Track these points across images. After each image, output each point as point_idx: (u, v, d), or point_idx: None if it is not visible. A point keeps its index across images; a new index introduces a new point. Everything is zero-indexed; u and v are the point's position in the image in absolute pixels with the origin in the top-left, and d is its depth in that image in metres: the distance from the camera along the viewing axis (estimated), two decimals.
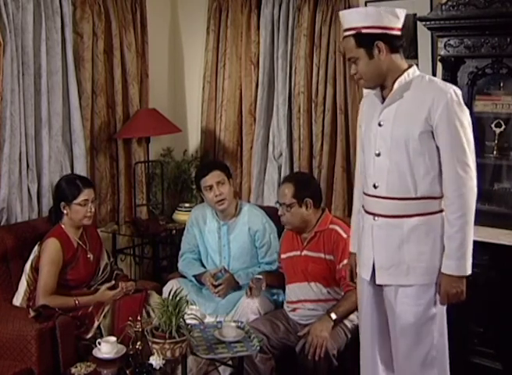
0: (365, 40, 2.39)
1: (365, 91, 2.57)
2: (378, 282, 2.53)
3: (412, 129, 2.38)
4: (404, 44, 2.50)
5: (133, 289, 3.39)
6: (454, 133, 2.33)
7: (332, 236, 3.17)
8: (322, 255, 3.18)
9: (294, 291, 3.25)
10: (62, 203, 3.32)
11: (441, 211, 2.41)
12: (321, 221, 3.23)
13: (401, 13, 2.41)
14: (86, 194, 3.32)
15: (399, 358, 2.53)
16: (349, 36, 2.42)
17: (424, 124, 2.36)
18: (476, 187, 2.36)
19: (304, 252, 3.24)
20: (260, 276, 3.33)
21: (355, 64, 2.45)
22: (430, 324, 2.44)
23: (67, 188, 3.33)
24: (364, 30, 2.38)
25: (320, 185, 3.47)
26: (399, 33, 2.42)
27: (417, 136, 2.36)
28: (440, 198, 2.40)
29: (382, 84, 2.48)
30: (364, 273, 2.59)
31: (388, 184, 2.45)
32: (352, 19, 2.42)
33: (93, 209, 3.35)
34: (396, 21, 2.39)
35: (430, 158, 2.38)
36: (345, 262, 3.07)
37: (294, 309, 3.25)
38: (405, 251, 2.44)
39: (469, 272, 2.38)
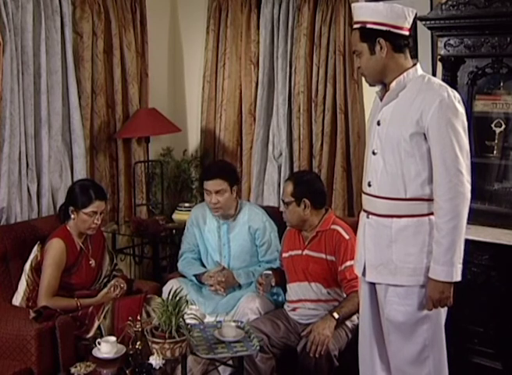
0: (368, 35, 2.40)
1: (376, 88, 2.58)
2: (367, 279, 2.56)
3: (404, 130, 2.38)
4: (411, 44, 2.47)
5: (124, 287, 3.37)
6: (445, 138, 2.31)
7: (334, 237, 3.17)
8: (323, 256, 3.18)
9: (295, 290, 3.26)
10: (71, 207, 3.31)
11: (431, 214, 2.40)
12: (324, 221, 3.22)
13: (410, 13, 2.40)
14: (96, 206, 3.29)
15: (389, 354, 2.56)
16: (356, 29, 2.45)
17: (415, 126, 2.35)
18: (469, 193, 2.34)
19: (306, 252, 3.24)
20: (269, 272, 3.34)
21: (359, 58, 2.47)
22: (421, 324, 2.44)
23: (79, 195, 3.30)
24: (368, 25, 2.39)
25: (325, 187, 3.42)
26: (405, 32, 2.41)
27: (408, 137, 2.36)
28: (430, 200, 2.39)
29: (385, 83, 2.48)
30: (356, 269, 2.64)
31: (380, 183, 2.46)
32: (360, 12, 2.43)
33: (99, 221, 3.32)
34: (402, 20, 2.39)
35: (421, 160, 2.38)
36: (347, 263, 3.08)
37: (294, 309, 3.25)
38: (393, 250, 2.45)
39: (457, 279, 2.35)
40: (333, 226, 3.21)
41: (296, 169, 4.04)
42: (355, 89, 3.83)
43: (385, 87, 2.50)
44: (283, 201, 3.24)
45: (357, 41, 2.44)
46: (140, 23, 4.30)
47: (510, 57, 3.10)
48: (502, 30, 3.08)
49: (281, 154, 4.14)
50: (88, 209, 3.27)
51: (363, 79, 3.78)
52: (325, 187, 3.49)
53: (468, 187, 2.34)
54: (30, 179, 3.69)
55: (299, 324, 3.22)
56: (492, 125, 3.26)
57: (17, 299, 3.29)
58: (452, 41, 3.22)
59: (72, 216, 3.31)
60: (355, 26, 2.46)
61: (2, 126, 3.49)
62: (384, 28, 2.38)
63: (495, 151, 3.27)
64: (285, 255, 3.34)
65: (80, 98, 3.94)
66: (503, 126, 3.24)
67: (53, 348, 3.02)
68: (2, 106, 3.47)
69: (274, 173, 4.18)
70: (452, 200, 2.31)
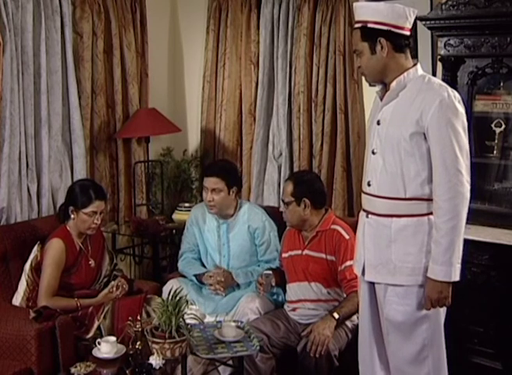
0: (369, 34, 2.40)
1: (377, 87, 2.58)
2: (366, 278, 2.56)
3: (404, 129, 2.38)
4: (411, 44, 2.49)
5: (126, 288, 3.37)
6: (444, 138, 2.31)
7: (334, 236, 3.17)
8: (323, 256, 3.18)
9: (295, 290, 3.26)
10: (71, 207, 3.31)
11: (430, 213, 2.40)
12: (324, 221, 3.22)
13: (411, 13, 2.41)
14: (96, 205, 3.29)
15: (389, 354, 2.56)
16: (357, 28, 2.45)
17: (415, 126, 2.35)
18: (468, 193, 2.34)
19: (306, 252, 3.24)
20: (269, 272, 3.33)
21: (359, 57, 2.47)
22: (420, 324, 2.44)
23: (79, 195, 3.30)
24: (369, 25, 2.40)
25: (324, 186, 3.42)
26: (406, 32, 2.42)
27: (408, 137, 2.36)
28: (430, 200, 2.39)
29: (385, 82, 2.48)
30: (356, 269, 2.64)
31: (379, 183, 2.46)
32: (362, 12, 2.44)
33: (99, 221, 3.32)
34: (403, 20, 2.39)
35: (421, 159, 2.38)
36: (347, 263, 3.08)
37: (294, 309, 3.25)
38: (392, 250, 2.45)
39: (455, 278, 2.35)
40: (333, 226, 3.21)
41: (296, 169, 4.04)
42: (355, 89, 3.83)
43: (386, 87, 2.50)
44: (283, 201, 3.24)
45: (358, 40, 2.45)
46: (140, 23, 4.30)
47: (510, 57, 3.10)
48: (502, 30, 3.08)
49: (281, 154, 4.14)
50: (88, 209, 3.27)
51: (363, 79, 3.78)
52: (325, 187, 3.49)
53: (468, 187, 2.34)
54: (30, 179, 3.69)
55: (299, 324, 3.22)
56: (492, 125, 3.26)
57: (17, 299, 3.28)
58: (452, 41, 3.22)
59: (72, 216, 3.31)
60: (356, 25, 2.46)
61: (2, 126, 3.49)
62: (385, 28, 2.38)
63: (495, 151, 3.27)
64: (285, 255, 3.34)
65: (80, 98, 3.94)
66: (503, 126, 3.24)
67: (53, 348, 3.01)
68: (2, 106, 3.47)
69: (274, 173, 4.18)
70: (451, 200, 2.31)
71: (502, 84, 3.26)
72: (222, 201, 3.49)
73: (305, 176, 3.35)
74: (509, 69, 3.13)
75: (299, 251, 3.26)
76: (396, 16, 2.37)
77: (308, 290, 3.21)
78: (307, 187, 3.22)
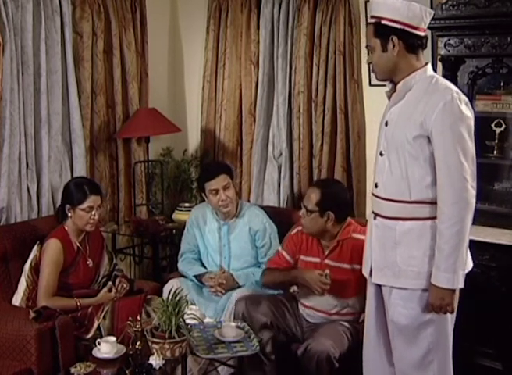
0: (382, 31, 2.37)
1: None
2: (373, 281, 2.55)
3: (408, 132, 2.35)
4: (425, 45, 2.45)
5: (127, 287, 3.38)
6: (448, 143, 2.28)
7: (361, 246, 2.97)
8: (347, 266, 3.09)
9: (309, 296, 3.16)
10: (68, 206, 3.31)
11: (435, 217, 2.36)
12: (344, 230, 3.13)
13: (427, 14, 2.38)
14: (91, 200, 3.29)
15: (394, 358, 2.54)
16: (371, 24, 2.43)
17: (419, 128, 2.32)
18: (473, 199, 2.30)
19: (326, 261, 3.14)
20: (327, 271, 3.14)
21: (371, 53, 2.45)
22: (425, 328, 2.41)
23: (74, 192, 3.31)
24: (383, 21, 2.37)
25: (350, 199, 3.26)
26: (420, 33, 2.38)
27: (412, 139, 2.33)
28: (435, 203, 2.35)
29: (395, 82, 2.46)
30: (363, 270, 2.63)
31: (385, 185, 2.45)
32: (377, 7, 2.40)
33: (97, 217, 3.32)
34: (418, 20, 2.36)
35: (425, 162, 2.34)
36: None
37: (304, 309, 3.23)
38: (397, 253, 2.43)
39: (458, 286, 2.32)
40: (355, 235, 3.10)
41: (296, 170, 4.04)
42: (355, 89, 3.83)
43: (395, 87, 2.47)
44: (306, 207, 3.11)
45: (371, 36, 2.41)
46: (140, 23, 4.30)
47: (510, 57, 3.10)
48: (502, 30, 3.07)
49: (281, 154, 4.14)
50: (84, 205, 3.27)
51: (363, 79, 3.84)
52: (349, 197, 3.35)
53: (473, 192, 2.29)
54: (30, 179, 3.69)
55: (305, 320, 3.20)
56: (492, 125, 3.26)
57: (17, 299, 3.28)
58: (452, 41, 3.22)
59: (69, 214, 3.31)
60: (370, 20, 2.44)
61: (2, 126, 3.49)
62: (398, 26, 2.34)
63: (495, 151, 3.26)
64: (304, 258, 3.22)
65: (79, 98, 3.94)
66: (503, 126, 3.24)
67: (53, 348, 3.01)
68: (2, 106, 3.47)
69: (274, 173, 4.18)
70: (454, 205, 2.27)
71: (502, 84, 3.26)
72: (233, 195, 3.53)
73: (333, 187, 3.21)
74: (509, 69, 3.13)
75: (317, 260, 3.17)
76: (411, 15, 2.33)
77: (322, 301, 3.13)
78: (335, 200, 3.09)
